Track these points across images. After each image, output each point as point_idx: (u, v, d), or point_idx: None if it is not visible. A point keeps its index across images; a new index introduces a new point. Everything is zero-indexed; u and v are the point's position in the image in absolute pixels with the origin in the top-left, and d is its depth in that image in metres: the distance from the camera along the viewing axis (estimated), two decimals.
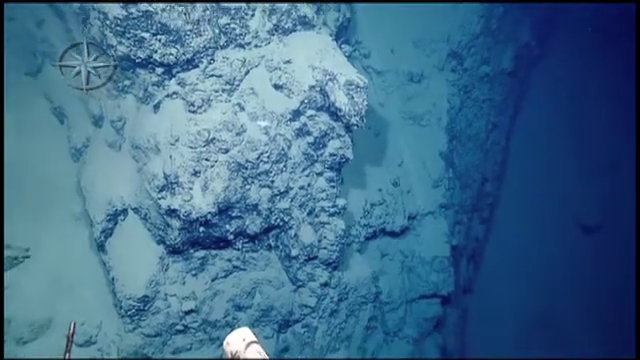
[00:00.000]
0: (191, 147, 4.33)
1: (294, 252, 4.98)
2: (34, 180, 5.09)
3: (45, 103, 5.28)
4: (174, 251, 4.80)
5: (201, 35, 4.20)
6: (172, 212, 4.41)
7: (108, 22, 4.11)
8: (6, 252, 4.80)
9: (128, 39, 4.17)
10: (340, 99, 4.32)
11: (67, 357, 2.25)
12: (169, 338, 4.97)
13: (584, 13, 8.92)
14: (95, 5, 4.15)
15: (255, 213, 4.70)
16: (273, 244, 5.16)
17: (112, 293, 4.84)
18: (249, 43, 4.42)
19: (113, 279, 4.75)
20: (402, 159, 6.42)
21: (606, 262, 9.05)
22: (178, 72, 4.42)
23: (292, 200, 4.82)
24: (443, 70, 6.70)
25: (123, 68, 4.52)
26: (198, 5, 4.11)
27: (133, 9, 4.01)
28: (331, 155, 4.75)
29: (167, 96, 4.49)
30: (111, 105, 4.82)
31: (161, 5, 4.02)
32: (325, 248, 5.00)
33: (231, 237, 4.79)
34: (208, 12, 4.17)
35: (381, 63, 6.54)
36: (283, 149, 4.53)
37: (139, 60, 4.29)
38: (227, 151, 4.38)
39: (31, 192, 5.04)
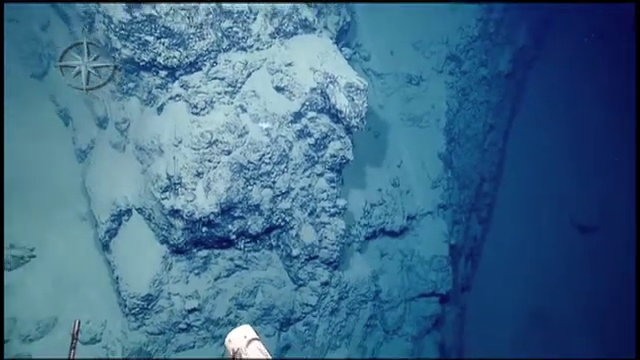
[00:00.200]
0: (194, 148, 4.33)
1: (295, 252, 4.98)
2: (40, 181, 5.09)
3: (51, 105, 5.28)
4: (177, 251, 4.79)
5: (204, 38, 4.20)
6: (175, 212, 4.41)
7: (113, 26, 4.11)
8: (12, 252, 4.79)
9: (132, 42, 4.17)
10: (341, 101, 4.32)
11: (72, 354, 2.25)
12: (172, 336, 4.96)
13: (580, 16, 8.93)
14: (100, 9, 4.15)
15: (257, 213, 4.69)
16: (275, 244, 5.16)
17: (116, 292, 4.84)
18: (251, 46, 4.42)
19: (117, 278, 4.75)
20: (401, 160, 6.41)
21: (602, 262, 9.04)
22: (181, 75, 4.42)
23: (293, 200, 4.81)
24: (442, 72, 6.70)
25: (127, 71, 4.51)
26: (201, 9, 4.11)
27: (137, 13, 4.02)
28: (332, 156, 4.75)
29: (170, 98, 4.49)
30: (115, 107, 4.82)
31: (165, 9, 4.02)
32: (326, 248, 5.00)
33: (233, 237, 4.79)
34: (211, 16, 4.17)
35: (381, 66, 6.54)
36: (284, 150, 4.53)
37: (143, 63, 4.29)
38: (229, 152, 4.38)
39: (37, 192, 5.04)
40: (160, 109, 4.55)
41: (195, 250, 4.88)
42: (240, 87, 4.46)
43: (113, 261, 4.79)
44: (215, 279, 5.03)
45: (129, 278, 4.70)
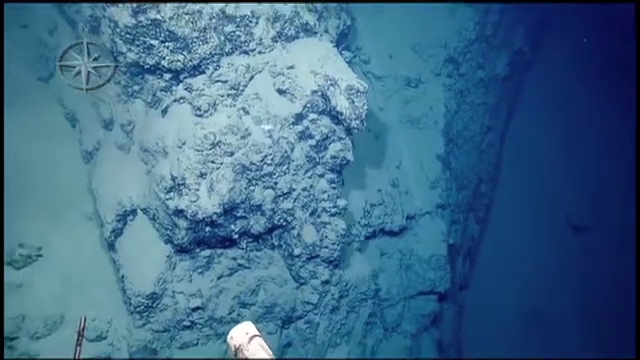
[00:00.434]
0: (197, 150, 4.33)
1: (297, 251, 4.97)
2: (47, 181, 5.08)
3: (58, 108, 5.27)
4: (181, 250, 4.78)
5: (207, 42, 4.20)
6: (179, 212, 4.40)
7: (118, 30, 4.11)
8: (20, 251, 4.79)
9: (137, 46, 4.16)
10: (341, 103, 4.31)
11: (78, 351, 2.24)
12: (177, 333, 4.95)
13: (576, 18, 8.91)
14: (106, 13, 4.15)
15: (259, 213, 4.68)
16: (276, 243, 5.14)
17: (122, 290, 4.83)
18: (253, 50, 4.41)
19: (123, 277, 4.74)
20: (400, 161, 6.39)
21: (595, 260, 9.04)
22: (185, 78, 4.41)
23: (295, 201, 4.80)
24: (440, 75, 6.68)
25: (132, 74, 4.51)
26: (205, 13, 4.11)
27: (142, 17, 4.01)
28: (332, 157, 4.74)
29: (175, 101, 4.49)
30: (121, 109, 4.81)
31: (169, 13, 4.01)
32: (326, 247, 4.98)
33: (236, 237, 4.78)
34: (214, 20, 4.16)
35: (380, 68, 6.53)
36: (286, 152, 4.52)
37: (148, 66, 4.29)
38: (232, 154, 4.37)
39: (44, 193, 5.04)
40: (164, 111, 4.54)
41: (198, 249, 4.87)
42: (243, 90, 4.46)
43: (118, 260, 4.78)
44: (218, 278, 5.02)
45: (134, 277, 4.69)
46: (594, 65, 9.06)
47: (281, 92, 4.42)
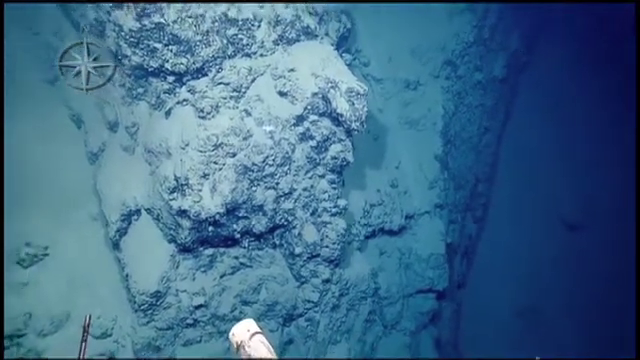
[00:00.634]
0: (200, 151, 4.31)
1: (298, 250, 4.94)
2: (53, 182, 5.06)
3: (64, 110, 5.24)
4: (184, 249, 4.76)
5: (210, 45, 4.17)
6: (183, 212, 4.38)
7: (123, 34, 4.09)
8: (27, 250, 4.78)
9: (141, 49, 4.14)
10: (341, 105, 4.29)
11: (83, 347, 2.22)
12: (180, 331, 4.93)
13: (570, 21, 8.89)
14: (110, 17, 4.12)
15: (261, 213, 4.66)
16: (278, 242, 5.12)
17: (126, 289, 4.81)
18: (255, 53, 4.38)
19: (127, 275, 4.72)
20: (399, 162, 6.37)
21: (589, 258, 9.03)
22: (188, 80, 4.39)
23: (296, 201, 4.78)
24: (438, 77, 6.65)
25: (137, 77, 4.49)
26: (207, 17, 4.08)
27: (146, 21, 3.99)
28: (333, 158, 4.71)
29: (178, 103, 4.47)
30: (125, 111, 4.79)
31: (173, 17, 3.99)
32: (327, 246, 4.96)
33: (238, 236, 4.76)
34: (217, 23, 4.14)
35: (380, 71, 6.50)
36: (287, 153, 4.49)
37: (152, 69, 4.27)
38: (234, 155, 4.35)
39: (50, 193, 5.02)
40: (168, 113, 4.52)
41: (201, 249, 4.85)
42: (245, 92, 4.43)
43: (123, 259, 4.76)
44: (221, 276, 5.00)
45: (138, 276, 4.67)
46: (588, 67, 9.04)
47: (282, 94, 4.40)
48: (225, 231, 4.67)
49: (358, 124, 4.38)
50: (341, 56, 4.68)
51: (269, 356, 1.81)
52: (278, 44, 4.41)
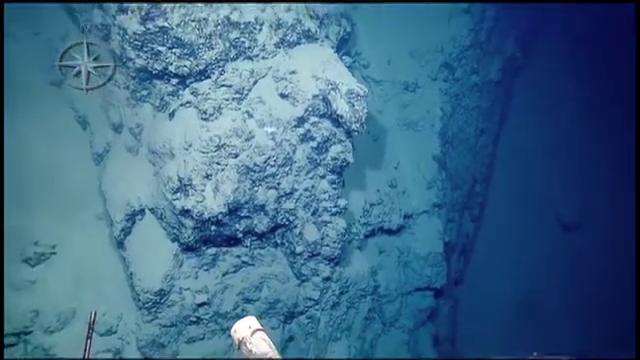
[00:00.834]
0: (203, 152, 4.28)
1: (299, 249, 4.92)
2: (59, 182, 5.04)
3: (70, 111, 5.22)
4: (188, 248, 4.74)
5: (213, 48, 4.15)
6: (186, 212, 4.35)
7: (127, 37, 4.07)
8: (34, 249, 4.76)
9: (146, 52, 4.12)
10: (342, 107, 4.26)
11: (89, 344, 2.20)
12: (184, 328, 4.90)
13: (564, 25, 8.87)
14: (115, 21, 4.10)
15: (263, 213, 4.63)
16: (279, 242, 5.09)
17: (131, 287, 4.78)
18: (257, 55, 4.36)
19: (131, 274, 4.69)
20: (398, 162, 6.34)
21: (583, 256, 9.01)
22: (191, 82, 4.37)
23: (297, 201, 4.75)
24: (436, 80, 6.63)
25: (141, 79, 4.46)
26: (210, 20, 4.06)
27: (150, 25, 3.97)
28: (333, 159, 4.69)
29: (181, 105, 4.44)
30: (130, 113, 4.77)
31: (176, 21, 3.97)
32: (327, 245, 4.93)
33: (240, 235, 4.73)
34: (219, 27, 4.12)
35: (379, 73, 6.47)
36: (289, 153, 4.47)
37: (156, 72, 4.24)
38: (237, 155, 4.32)
39: (57, 193, 5.00)
40: (171, 115, 4.49)
41: (204, 248, 4.82)
42: (247, 94, 4.41)
43: (127, 258, 4.73)
44: (223, 275, 4.97)
45: (143, 274, 4.64)
46: (584, 67, 9.02)
47: (284, 96, 4.37)
48: (227, 230, 4.65)
49: (358, 125, 4.35)
50: (341, 59, 4.66)
51: (270, 352, 1.80)
52: (279, 47, 4.38)
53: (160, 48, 4.07)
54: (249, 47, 4.29)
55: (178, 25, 3.97)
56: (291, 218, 4.80)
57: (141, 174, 4.71)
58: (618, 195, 8.93)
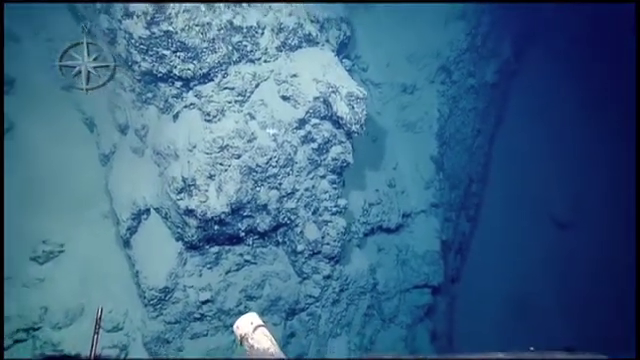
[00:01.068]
0: (207, 153, 4.26)
1: (300, 247, 4.89)
2: (67, 182, 5.04)
3: (77, 114, 5.22)
4: (191, 247, 4.72)
5: (216, 52, 4.13)
6: (190, 212, 4.33)
7: (133, 41, 4.05)
8: (43, 247, 4.76)
9: (151, 56, 4.10)
10: (342, 109, 4.24)
11: (96, 339, 2.18)
12: (188, 325, 4.89)
13: (558, 29, 8.84)
14: (121, 26, 4.08)
15: (265, 212, 4.61)
16: (281, 240, 5.07)
17: (136, 284, 4.77)
18: (259, 59, 4.34)
19: (137, 272, 4.68)
20: (397, 163, 6.32)
21: (577, 255, 8.97)
22: (195, 85, 4.35)
23: (298, 200, 4.73)
24: (434, 82, 6.61)
25: (146, 82, 4.44)
26: (214, 25, 4.04)
27: (155, 29, 3.96)
28: (333, 160, 4.67)
29: (185, 107, 4.42)
30: (135, 115, 4.75)
31: (180, 25, 3.95)
32: (328, 244, 4.91)
33: (243, 234, 4.71)
34: (222, 31, 4.10)
35: (378, 76, 6.46)
36: (290, 154, 4.44)
37: (160, 75, 4.23)
38: (239, 156, 4.30)
39: (65, 193, 4.99)
40: (176, 117, 4.48)
41: (208, 246, 4.80)
42: (249, 96, 4.39)
43: (133, 256, 4.72)
44: (226, 273, 4.95)
45: (148, 272, 4.63)
46: (579, 68, 8.98)
47: (285, 99, 4.35)
48: (230, 229, 4.63)
49: (358, 127, 4.33)
50: (341, 62, 4.63)
51: (272, 348, 1.78)
52: (281, 51, 4.36)
53: (165, 52, 4.05)
54: (251, 51, 4.27)
55: (182, 29, 3.95)
56: (292, 217, 4.78)
57: (146, 174, 4.69)
58: (612, 194, 8.89)
